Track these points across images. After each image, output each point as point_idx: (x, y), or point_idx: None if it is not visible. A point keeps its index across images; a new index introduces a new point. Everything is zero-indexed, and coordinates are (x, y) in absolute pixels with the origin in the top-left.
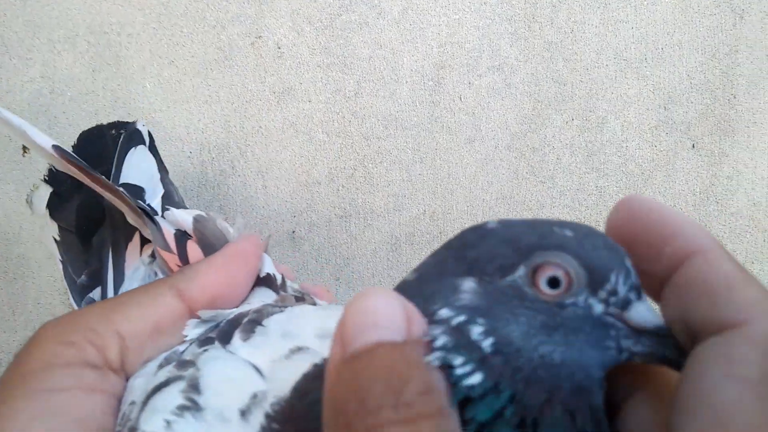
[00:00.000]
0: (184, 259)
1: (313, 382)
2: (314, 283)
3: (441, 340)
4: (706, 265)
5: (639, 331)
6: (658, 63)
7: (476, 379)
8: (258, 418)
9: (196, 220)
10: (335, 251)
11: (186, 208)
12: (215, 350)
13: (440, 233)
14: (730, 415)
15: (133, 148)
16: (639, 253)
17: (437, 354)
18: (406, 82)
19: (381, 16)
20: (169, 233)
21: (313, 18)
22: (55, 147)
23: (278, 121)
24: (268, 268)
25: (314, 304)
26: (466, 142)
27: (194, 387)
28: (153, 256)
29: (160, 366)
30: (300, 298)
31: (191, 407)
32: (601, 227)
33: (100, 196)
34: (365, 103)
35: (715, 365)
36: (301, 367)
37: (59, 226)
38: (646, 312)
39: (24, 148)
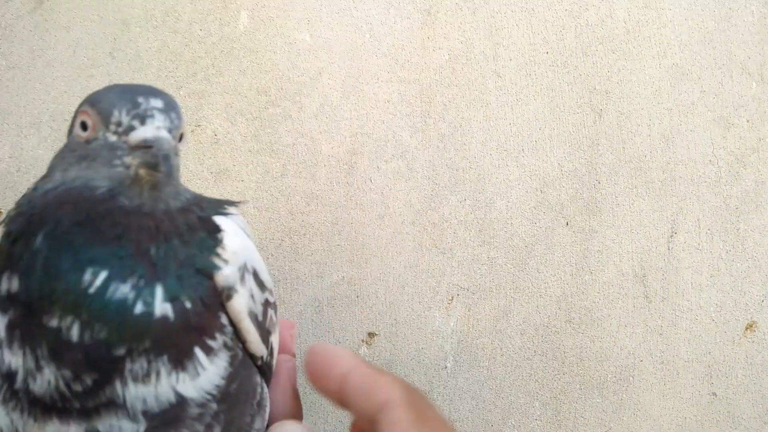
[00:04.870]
0: None
1: None
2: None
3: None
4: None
5: (135, 148)
6: (533, 153)
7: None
8: None
9: None
10: None
11: None
12: None
13: (357, 297)
14: None
15: None
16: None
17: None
18: (324, 165)
19: (302, 110)
20: None
21: (245, 111)
22: None
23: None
24: None
25: None
26: (377, 217)
27: None
28: None
29: None
30: None
31: None
32: (494, 293)
33: None
34: (290, 183)
35: None
36: None
37: None
38: (141, 131)
39: None
